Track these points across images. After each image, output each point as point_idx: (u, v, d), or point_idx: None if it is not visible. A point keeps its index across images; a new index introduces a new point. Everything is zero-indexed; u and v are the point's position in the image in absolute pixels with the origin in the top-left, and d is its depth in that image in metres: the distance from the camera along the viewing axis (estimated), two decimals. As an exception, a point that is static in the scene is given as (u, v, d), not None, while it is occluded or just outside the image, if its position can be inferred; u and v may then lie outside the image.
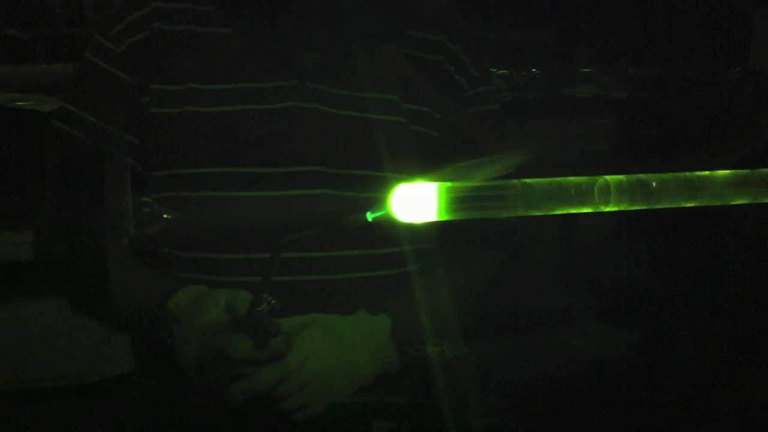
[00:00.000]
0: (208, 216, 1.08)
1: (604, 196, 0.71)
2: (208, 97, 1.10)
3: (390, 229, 1.04)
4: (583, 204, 0.71)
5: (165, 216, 0.98)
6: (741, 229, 2.33)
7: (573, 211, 0.71)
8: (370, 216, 0.78)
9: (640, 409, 2.29)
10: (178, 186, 1.08)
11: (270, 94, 1.11)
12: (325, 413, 1.02)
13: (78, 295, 1.17)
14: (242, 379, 0.97)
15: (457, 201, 0.72)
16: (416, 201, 0.73)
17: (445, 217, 0.72)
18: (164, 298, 1.03)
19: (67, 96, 1.17)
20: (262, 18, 1.13)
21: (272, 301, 0.92)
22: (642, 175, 0.72)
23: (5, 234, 2.42)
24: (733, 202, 0.78)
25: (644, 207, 0.73)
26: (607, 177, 0.71)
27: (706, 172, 0.76)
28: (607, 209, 0.72)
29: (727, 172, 0.77)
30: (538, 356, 2.78)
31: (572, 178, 0.71)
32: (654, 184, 0.72)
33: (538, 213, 0.72)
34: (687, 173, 0.74)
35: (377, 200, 0.75)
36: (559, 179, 0.71)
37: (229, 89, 1.10)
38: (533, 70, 3.74)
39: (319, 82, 1.12)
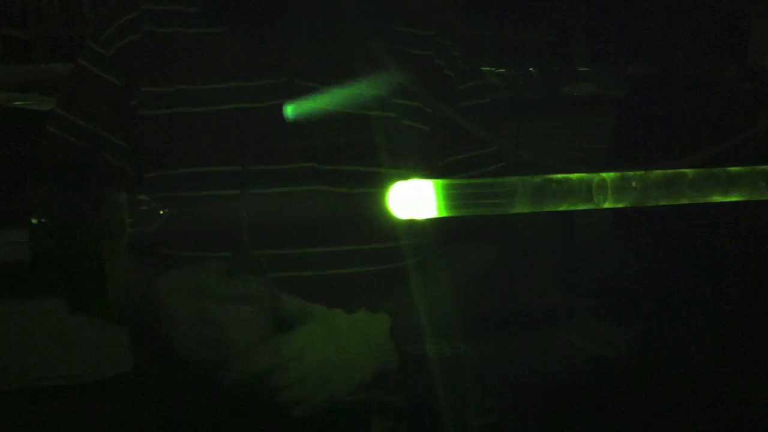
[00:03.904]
0: (202, 215, 1.08)
1: (602, 193, 0.71)
2: (198, 98, 1.10)
3: (386, 224, 1.04)
4: (581, 201, 0.71)
5: (162, 213, 0.99)
6: (740, 227, 2.33)
7: (571, 208, 0.71)
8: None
9: (639, 407, 2.28)
10: (171, 186, 1.08)
11: (260, 93, 1.11)
12: (324, 411, 1.02)
13: (75, 294, 1.17)
14: (236, 360, 0.99)
15: (455, 198, 0.72)
16: (415, 198, 0.72)
17: (443, 214, 0.72)
18: (154, 281, 1.05)
19: (60, 100, 1.18)
20: (251, 17, 1.13)
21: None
22: (639, 172, 0.72)
23: (3, 234, 2.42)
24: (731, 199, 0.78)
25: (642, 204, 0.73)
26: (604, 174, 0.71)
27: (705, 169, 0.76)
28: (605, 206, 0.71)
29: (726, 168, 0.77)
30: (537, 354, 2.77)
31: (569, 175, 0.71)
32: (651, 181, 0.72)
33: (535, 210, 0.71)
34: (685, 170, 0.74)
35: (370, 195, 0.75)
36: (556, 176, 0.71)
37: (220, 89, 1.11)
38: (531, 68, 3.74)
39: (308, 79, 1.12)
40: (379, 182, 0.75)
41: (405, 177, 0.74)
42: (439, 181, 0.73)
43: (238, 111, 1.10)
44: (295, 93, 1.11)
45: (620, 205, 0.72)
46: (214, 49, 1.12)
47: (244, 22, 1.13)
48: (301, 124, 1.11)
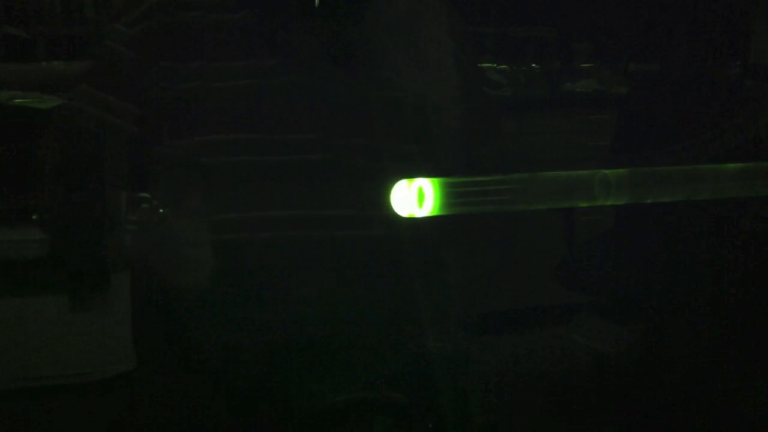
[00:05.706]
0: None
1: (605, 189, 0.71)
2: (215, 74, 1.13)
3: (389, 221, 1.05)
4: (584, 198, 0.71)
5: (162, 211, 0.99)
6: (742, 225, 2.32)
7: (573, 205, 0.71)
8: None
9: (640, 406, 2.28)
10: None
11: (275, 70, 1.13)
12: (324, 408, 1.02)
13: (77, 291, 1.17)
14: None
15: (457, 196, 0.72)
16: (417, 196, 0.72)
17: (445, 212, 0.72)
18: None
19: (81, 76, 1.20)
20: (266, 5, 1.15)
21: None
22: (642, 169, 0.72)
23: (6, 232, 2.42)
24: (734, 196, 0.78)
25: (644, 201, 0.73)
26: (607, 170, 0.71)
27: (707, 166, 0.75)
28: (608, 203, 0.71)
29: (728, 165, 0.76)
30: (539, 352, 2.77)
31: (572, 172, 0.70)
32: (654, 177, 0.72)
33: (537, 207, 0.71)
34: (687, 166, 0.74)
35: (374, 192, 0.75)
36: (558, 173, 0.70)
37: (235, 66, 1.13)
38: (533, 65, 3.75)
39: (322, 60, 1.14)
40: (383, 179, 0.75)
41: (409, 176, 0.74)
42: (441, 180, 0.73)
43: (253, 86, 1.13)
44: (309, 72, 1.13)
45: (622, 202, 0.72)
46: (231, 32, 1.15)
47: (259, 9, 1.16)
48: (312, 102, 1.13)
